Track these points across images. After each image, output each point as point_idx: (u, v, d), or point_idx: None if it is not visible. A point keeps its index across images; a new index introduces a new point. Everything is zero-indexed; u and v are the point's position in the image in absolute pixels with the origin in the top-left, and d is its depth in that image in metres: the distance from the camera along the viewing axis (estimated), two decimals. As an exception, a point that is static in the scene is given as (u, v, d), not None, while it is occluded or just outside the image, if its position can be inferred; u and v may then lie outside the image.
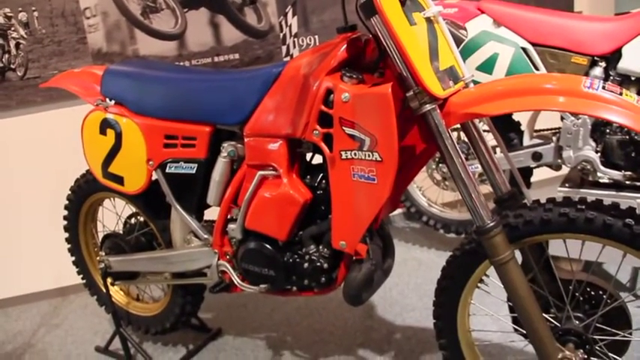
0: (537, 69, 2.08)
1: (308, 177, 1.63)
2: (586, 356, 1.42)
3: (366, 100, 1.37)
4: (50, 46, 2.47)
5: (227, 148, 1.71)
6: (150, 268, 2.02)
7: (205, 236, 1.83)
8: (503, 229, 1.37)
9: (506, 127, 2.36)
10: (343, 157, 1.45)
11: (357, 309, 2.38)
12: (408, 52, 1.30)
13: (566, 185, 2.15)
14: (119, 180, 1.91)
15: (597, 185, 2.09)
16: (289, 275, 1.69)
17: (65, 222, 2.26)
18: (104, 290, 2.21)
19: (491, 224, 1.35)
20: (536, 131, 2.31)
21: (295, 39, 2.66)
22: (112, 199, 2.17)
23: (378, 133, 1.36)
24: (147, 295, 2.33)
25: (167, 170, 1.82)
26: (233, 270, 1.80)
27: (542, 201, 1.42)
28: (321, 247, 1.64)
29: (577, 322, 1.46)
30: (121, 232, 2.15)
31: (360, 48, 1.50)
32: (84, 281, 2.34)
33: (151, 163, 1.82)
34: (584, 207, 1.34)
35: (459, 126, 1.53)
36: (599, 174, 2.05)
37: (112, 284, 2.19)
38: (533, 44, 2.08)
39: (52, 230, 2.70)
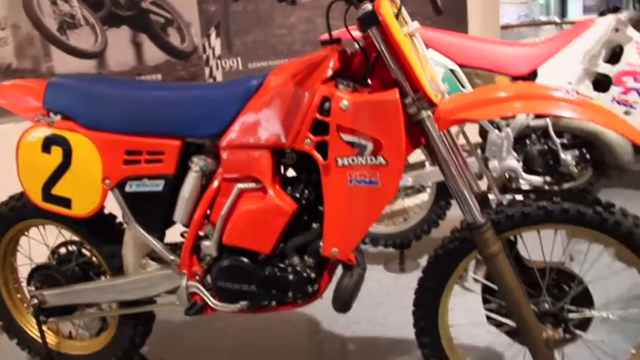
0: (464, 87, 2.28)
1: (289, 188, 1.63)
2: (563, 334, 1.57)
3: (369, 107, 1.42)
4: (-51, 61, 2.20)
5: (198, 162, 1.65)
6: (97, 298, 1.86)
7: (171, 257, 1.73)
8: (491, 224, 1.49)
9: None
10: (339, 163, 1.48)
11: (299, 326, 2.37)
12: (410, 59, 1.38)
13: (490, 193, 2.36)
14: (65, 203, 1.75)
15: (519, 191, 2.33)
16: (271, 289, 1.66)
17: (-22, 257, 1.99)
18: (32, 331, 1.98)
19: (483, 221, 1.46)
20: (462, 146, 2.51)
21: (219, 60, 2.63)
22: (41, 226, 1.97)
23: (384, 138, 1.42)
24: (81, 331, 2.11)
25: (127, 189, 1.70)
26: (206, 290, 1.72)
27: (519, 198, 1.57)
28: (305, 257, 1.63)
29: (550, 305, 1.60)
30: (52, 263, 1.95)
31: (347, 60, 1.55)
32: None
33: (107, 182, 1.70)
34: (559, 199, 1.51)
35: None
36: (521, 181, 2.29)
37: (44, 322, 1.96)
38: (460, 66, 2.29)
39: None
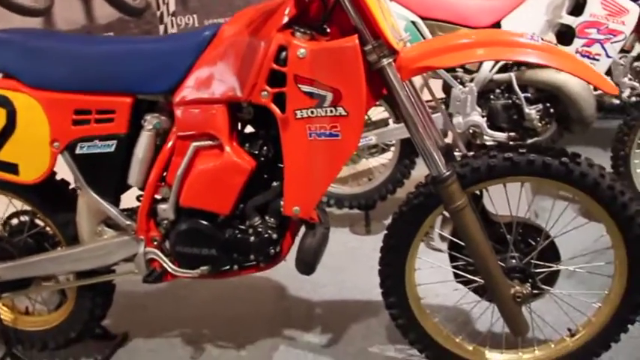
0: (427, 41, 2.22)
1: (247, 145, 1.56)
2: (531, 289, 1.55)
3: (328, 55, 1.35)
4: None
5: (151, 120, 1.57)
6: (52, 270, 1.78)
7: (128, 223, 1.65)
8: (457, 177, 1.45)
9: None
10: (298, 116, 1.41)
11: (265, 293, 2.33)
12: (369, 4, 1.31)
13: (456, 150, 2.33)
14: (12, 169, 1.64)
15: (484, 147, 2.29)
16: (231, 252, 1.60)
17: None
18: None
19: (448, 173, 1.42)
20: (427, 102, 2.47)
21: (173, 18, 2.52)
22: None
23: (343, 87, 1.35)
24: (39, 307, 2.02)
25: (77, 151, 1.61)
26: (165, 256, 1.65)
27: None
28: (267, 218, 1.57)
29: (517, 260, 1.58)
30: (4, 234, 1.85)
31: (304, 6, 1.48)
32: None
33: (56, 144, 1.60)
34: (525, 150, 1.47)
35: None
36: (485, 137, 2.26)
37: (-3, 298, 1.87)
38: (422, 18, 2.23)
39: None
